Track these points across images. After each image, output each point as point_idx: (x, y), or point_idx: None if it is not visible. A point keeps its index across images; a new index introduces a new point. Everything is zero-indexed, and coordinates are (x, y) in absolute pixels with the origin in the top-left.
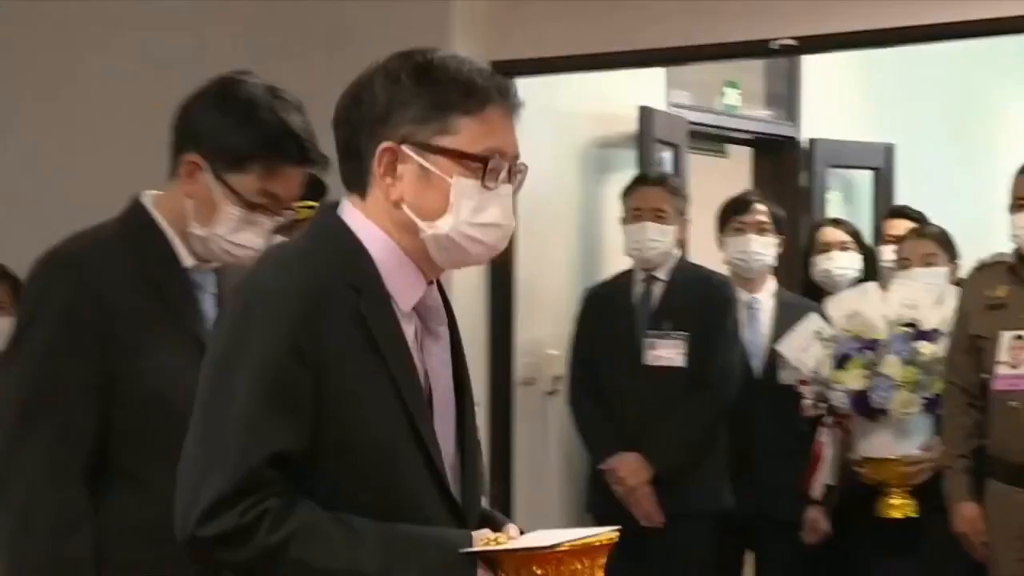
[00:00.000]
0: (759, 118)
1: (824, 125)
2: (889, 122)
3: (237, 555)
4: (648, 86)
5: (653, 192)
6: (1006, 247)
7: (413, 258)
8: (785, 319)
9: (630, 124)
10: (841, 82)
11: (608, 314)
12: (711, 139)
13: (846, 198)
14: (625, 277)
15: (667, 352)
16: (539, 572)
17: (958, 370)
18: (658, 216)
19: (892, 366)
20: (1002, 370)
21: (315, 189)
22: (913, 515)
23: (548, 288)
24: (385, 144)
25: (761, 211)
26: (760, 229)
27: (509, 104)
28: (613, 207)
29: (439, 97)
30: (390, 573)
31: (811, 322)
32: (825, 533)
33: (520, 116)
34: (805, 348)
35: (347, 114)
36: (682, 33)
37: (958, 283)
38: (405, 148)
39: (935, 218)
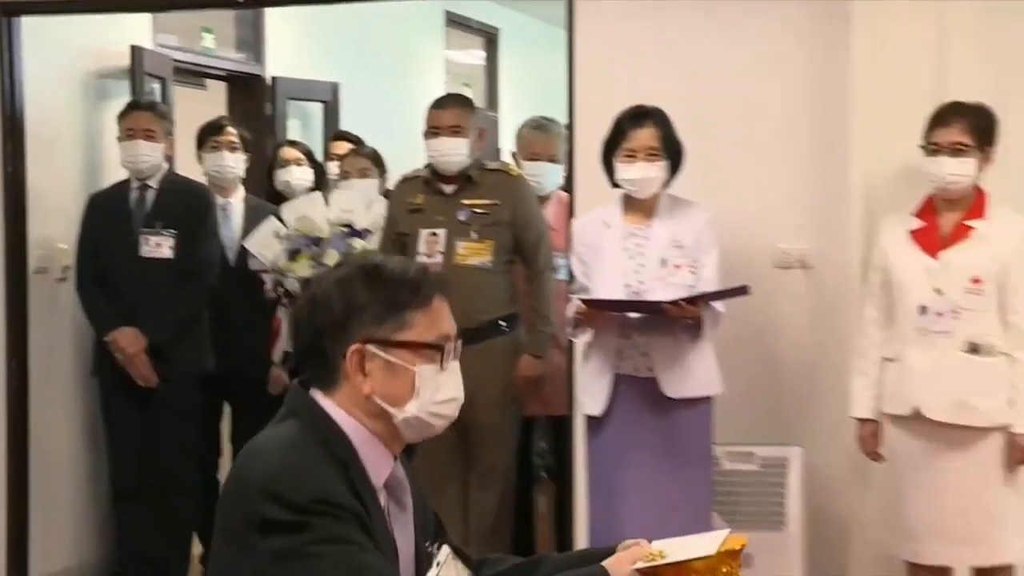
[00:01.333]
0: (232, 58)
1: (285, 65)
2: (336, 64)
3: None
4: (138, 29)
5: (143, 116)
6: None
7: (380, 438)
8: (252, 220)
9: (124, 60)
10: (298, 30)
11: (109, 215)
12: (193, 75)
13: (303, 124)
14: (123, 185)
15: (159, 247)
16: None
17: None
18: (148, 135)
19: (332, 258)
20: (422, 257)
21: None
22: None
23: (58, 193)
24: (354, 347)
25: (232, 133)
26: (231, 147)
27: (445, 293)
28: (112, 128)
29: (392, 298)
30: None
31: (270, 223)
32: (285, 385)
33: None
34: (266, 244)
35: (306, 321)
36: None
37: (386, 194)
38: (370, 347)
39: (371, 141)
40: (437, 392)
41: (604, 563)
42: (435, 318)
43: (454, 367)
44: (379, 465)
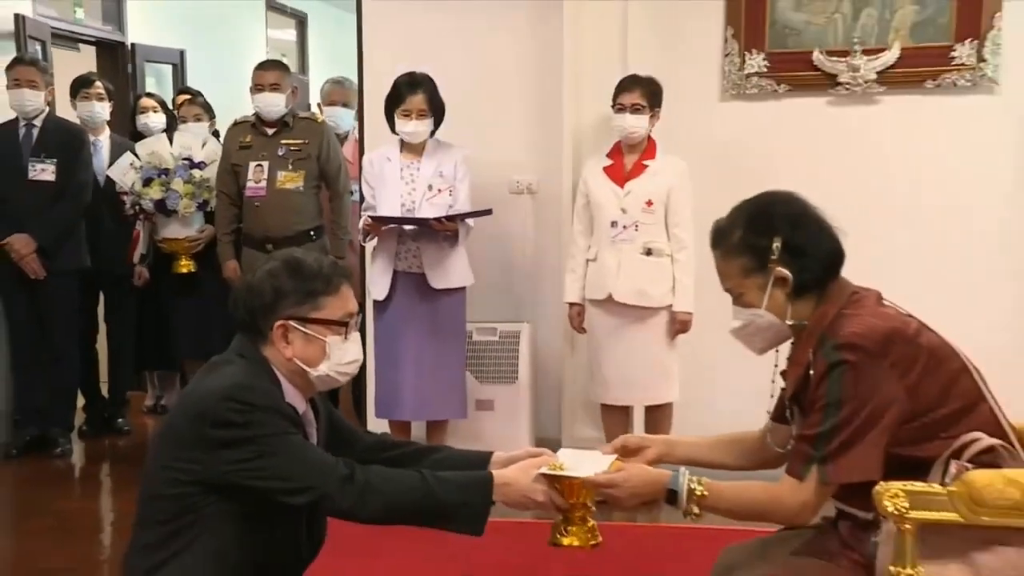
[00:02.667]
0: (99, 28)
1: (142, 34)
2: (183, 35)
3: None
4: (22, 2)
5: (27, 69)
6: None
7: (297, 387)
8: (116, 154)
9: (9, 26)
10: (153, 6)
11: (4, 145)
12: (68, 40)
13: (157, 81)
14: (12, 123)
15: (43, 172)
16: (582, 495)
17: (224, 185)
18: (31, 85)
19: (178, 184)
20: (250, 184)
21: None
22: (194, 270)
23: None
24: (279, 323)
25: (99, 86)
26: (99, 97)
27: (349, 282)
28: (1, 79)
29: (309, 286)
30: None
31: (127, 157)
32: (147, 280)
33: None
34: (124, 173)
35: (243, 302)
36: None
37: (216, 134)
38: (292, 323)
39: (209, 94)
40: (343, 356)
41: (498, 471)
42: (342, 302)
43: (355, 337)
44: (296, 403)
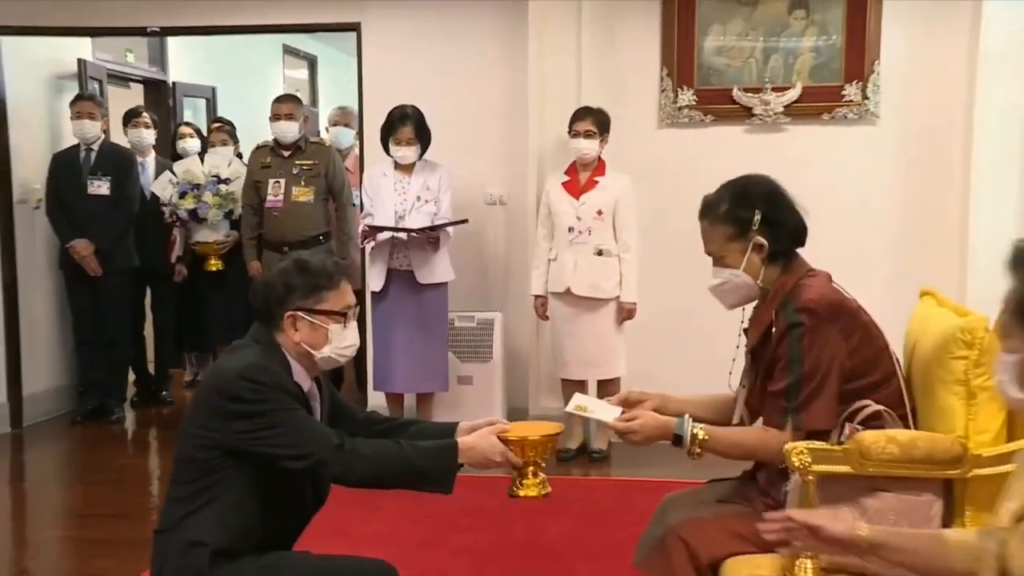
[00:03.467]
0: (147, 69)
1: (181, 74)
2: (214, 74)
3: None
4: (83, 48)
5: (87, 103)
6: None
7: (304, 367)
8: (160, 172)
9: (74, 68)
10: (189, 51)
11: (67, 166)
12: (122, 79)
13: (193, 112)
14: (75, 148)
15: (100, 187)
16: (532, 453)
17: (248, 198)
18: (90, 116)
19: (208, 197)
20: (270, 198)
21: None
22: (222, 268)
23: (32, 152)
24: (289, 313)
25: (146, 116)
26: (146, 126)
27: (348, 279)
28: (67, 111)
29: (315, 283)
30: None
31: (166, 175)
32: (185, 276)
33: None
34: (164, 188)
35: (261, 295)
36: (98, 19)
37: (239, 155)
38: (299, 313)
39: (236, 122)
40: (343, 341)
41: (462, 438)
42: (341, 296)
43: (353, 325)
44: (302, 381)
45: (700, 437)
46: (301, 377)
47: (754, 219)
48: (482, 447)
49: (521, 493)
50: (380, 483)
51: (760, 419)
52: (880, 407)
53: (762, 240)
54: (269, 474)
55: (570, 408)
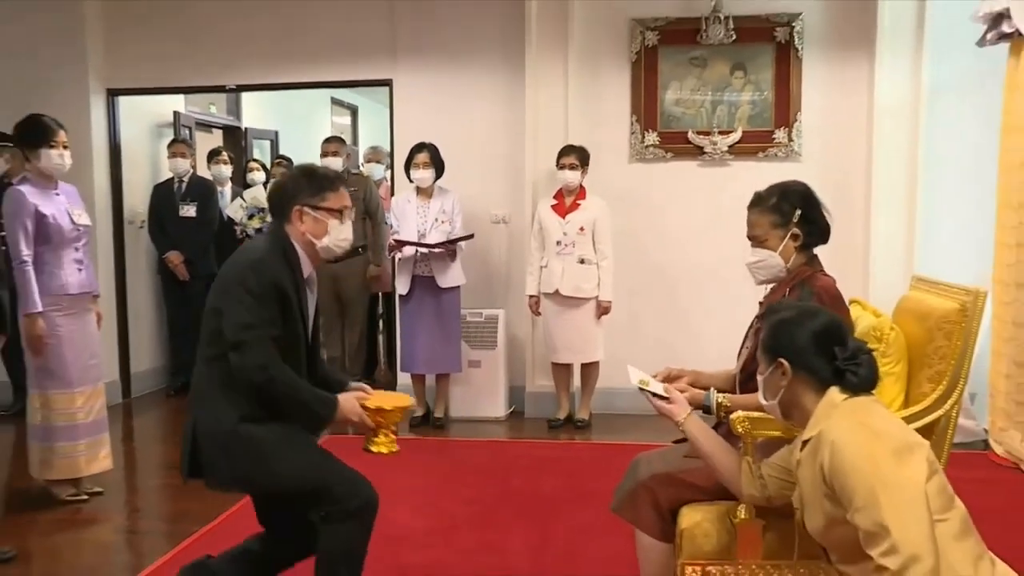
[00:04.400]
0: (225, 117)
1: (251, 120)
2: (277, 120)
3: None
4: (177, 102)
5: (180, 145)
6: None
7: (307, 255)
8: (234, 198)
9: (170, 118)
10: (258, 103)
11: (164, 194)
12: (206, 126)
13: (260, 150)
14: (170, 180)
15: (188, 210)
16: (380, 420)
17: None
18: (182, 155)
19: (270, 218)
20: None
21: None
22: None
23: (138, 184)
24: (296, 208)
25: (224, 155)
26: (224, 162)
27: (345, 186)
28: (165, 152)
29: (319, 185)
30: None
31: (238, 200)
32: None
33: (120, 113)
34: (236, 211)
35: (276, 196)
36: (189, 80)
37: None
38: (305, 209)
39: (295, 157)
40: (339, 234)
41: (343, 396)
42: (339, 197)
43: (348, 223)
44: (305, 266)
45: (724, 404)
46: (304, 263)
47: (795, 213)
48: (346, 408)
49: (372, 449)
50: (277, 393)
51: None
52: None
53: (799, 231)
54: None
55: (634, 382)
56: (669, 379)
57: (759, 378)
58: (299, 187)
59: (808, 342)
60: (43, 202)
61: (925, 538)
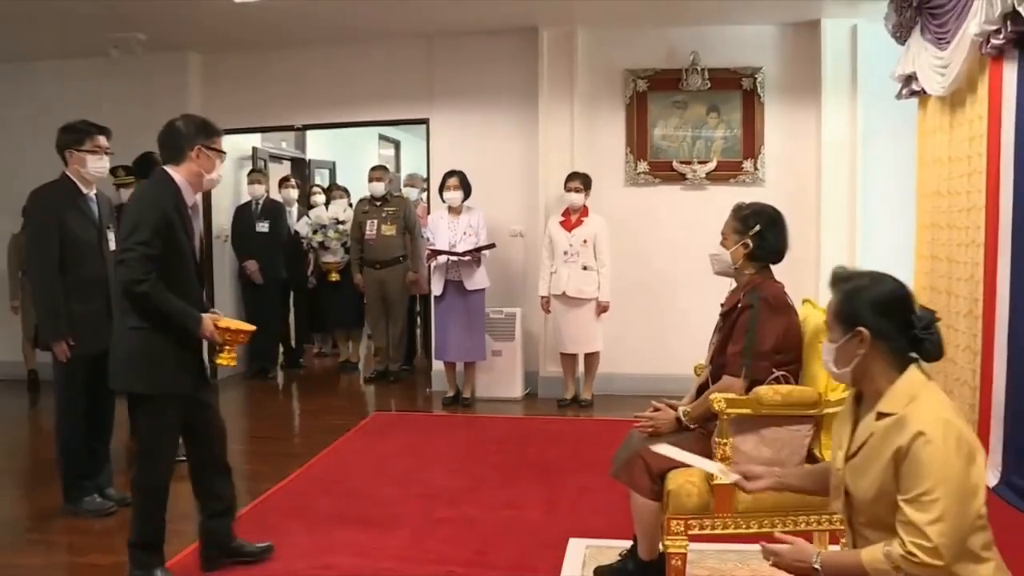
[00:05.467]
0: (293, 151)
1: (314, 153)
2: (335, 152)
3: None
4: (255, 139)
5: (257, 175)
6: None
7: (193, 186)
8: (300, 217)
9: (249, 152)
10: (322, 137)
11: (244, 214)
12: (278, 158)
13: (321, 178)
14: (249, 203)
15: (263, 226)
16: (228, 338)
17: (355, 234)
18: (259, 182)
19: (330, 233)
20: (368, 233)
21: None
22: (338, 279)
23: (224, 206)
24: (196, 147)
25: (292, 181)
26: (292, 187)
27: (219, 134)
28: (245, 180)
29: (210, 131)
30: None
31: (304, 218)
32: (314, 284)
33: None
34: (303, 227)
35: (171, 138)
36: (264, 121)
37: (350, 205)
38: (202, 148)
39: (349, 183)
40: (218, 172)
41: (205, 316)
42: (221, 142)
43: (223, 165)
44: (189, 197)
45: (687, 413)
46: (188, 193)
47: (754, 228)
48: (205, 324)
49: (217, 361)
50: (148, 307)
51: (714, 369)
52: (780, 372)
53: (750, 243)
54: (166, 258)
55: (683, 459)
56: (655, 411)
57: (831, 346)
58: (199, 131)
59: (885, 310)
60: None
61: (954, 543)
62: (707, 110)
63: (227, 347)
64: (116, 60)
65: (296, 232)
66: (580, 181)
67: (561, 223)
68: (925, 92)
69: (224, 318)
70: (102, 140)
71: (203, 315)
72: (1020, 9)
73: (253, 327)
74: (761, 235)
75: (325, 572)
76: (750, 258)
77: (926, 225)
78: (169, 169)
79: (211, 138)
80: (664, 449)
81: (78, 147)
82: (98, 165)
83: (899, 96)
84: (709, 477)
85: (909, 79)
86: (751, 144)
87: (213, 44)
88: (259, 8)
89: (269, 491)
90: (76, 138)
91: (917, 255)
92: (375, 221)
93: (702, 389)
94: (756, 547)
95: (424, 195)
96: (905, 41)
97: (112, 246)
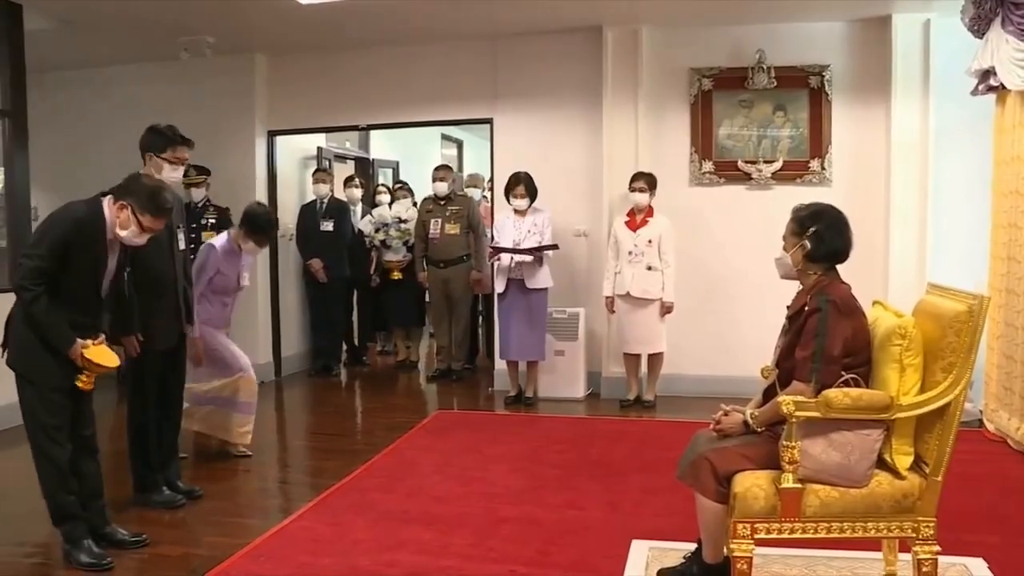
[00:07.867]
0: (357, 151)
1: (378, 152)
2: (398, 152)
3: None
4: (320, 139)
5: (322, 174)
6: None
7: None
8: (364, 216)
9: (314, 152)
10: (385, 137)
11: (309, 213)
12: (342, 158)
13: (384, 177)
14: (314, 201)
15: (327, 225)
16: (88, 365)
17: (419, 232)
18: (324, 181)
19: (393, 232)
20: (432, 232)
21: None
22: (401, 277)
23: (289, 204)
24: (151, 155)
25: (356, 180)
26: (357, 186)
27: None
28: (310, 178)
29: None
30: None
31: (368, 217)
32: (378, 283)
33: (277, 149)
34: (366, 226)
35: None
36: (329, 121)
37: (415, 204)
38: (153, 156)
39: (412, 181)
40: (171, 175)
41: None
42: (177, 152)
43: (176, 168)
44: (111, 231)
45: (754, 415)
46: (112, 228)
47: (810, 230)
48: (74, 348)
49: (76, 383)
50: (28, 311)
51: (781, 373)
52: (849, 375)
53: (807, 244)
54: (64, 271)
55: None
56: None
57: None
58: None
59: None
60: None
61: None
62: (773, 109)
63: (86, 372)
64: (187, 63)
65: (360, 231)
66: (645, 181)
67: (626, 223)
68: (1003, 87)
69: (96, 347)
70: (183, 152)
71: (76, 340)
72: None
73: (117, 363)
74: (818, 236)
75: (388, 569)
76: (810, 259)
77: (1002, 225)
78: (104, 200)
79: (167, 147)
80: None
81: (159, 153)
82: (172, 175)
83: (975, 92)
84: (777, 480)
85: (986, 74)
86: (818, 143)
87: (279, 46)
88: (324, 10)
89: (333, 487)
90: (160, 144)
91: (992, 256)
92: (439, 220)
93: (768, 392)
94: (823, 552)
95: (487, 194)
96: (983, 35)
97: (182, 245)
